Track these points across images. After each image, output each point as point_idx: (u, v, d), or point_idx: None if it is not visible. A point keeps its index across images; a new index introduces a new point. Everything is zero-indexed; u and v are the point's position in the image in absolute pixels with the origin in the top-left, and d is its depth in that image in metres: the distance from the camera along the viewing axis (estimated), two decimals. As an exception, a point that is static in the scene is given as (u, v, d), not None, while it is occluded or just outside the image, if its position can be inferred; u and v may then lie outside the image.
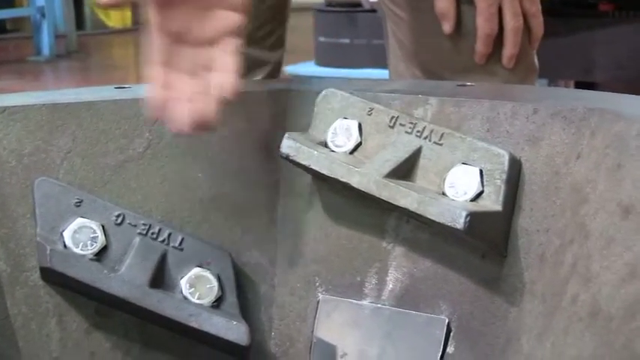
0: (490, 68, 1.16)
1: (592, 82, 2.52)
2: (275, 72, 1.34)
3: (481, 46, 1.15)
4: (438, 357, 0.88)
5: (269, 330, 0.95)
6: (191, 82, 0.84)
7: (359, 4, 3.64)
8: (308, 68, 3.92)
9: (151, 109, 0.84)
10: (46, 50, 5.76)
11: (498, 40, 1.16)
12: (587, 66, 2.35)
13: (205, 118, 0.83)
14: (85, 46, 6.41)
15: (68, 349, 0.90)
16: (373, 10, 3.36)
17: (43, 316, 0.90)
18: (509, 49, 1.15)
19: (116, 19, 7.34)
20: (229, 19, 0.86)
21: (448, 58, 1.18)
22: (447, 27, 1.15)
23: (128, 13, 7.32)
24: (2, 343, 0.88)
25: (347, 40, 3.62)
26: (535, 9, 1.17)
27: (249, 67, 1.27)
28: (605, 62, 2.34)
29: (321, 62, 3.80)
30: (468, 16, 1.15)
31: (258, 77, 1.30)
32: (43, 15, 5.76)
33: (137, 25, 6.37)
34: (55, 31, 5.87)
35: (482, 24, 1.13)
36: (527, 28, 1.17)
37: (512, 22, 1.14)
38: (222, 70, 0.85)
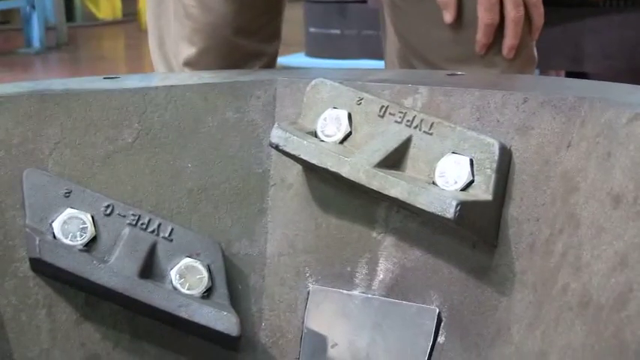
0: (490, 59, 1.15)
1: (582, 72, 2.52)
2: (271, 64, 1.33)
3: (481, 37, 1.14)
4: (429, 347, 0.88)
5: (259, 321, 0.95)
6: None
7: (351, -6, 3.63)
8: (298, 59, 3.90)
9: None
10: (36, 42, 5.74)
11: (499, 30, 1.14)
12: (577, 56, 2.35)
13: None
14: (75, 38, 6.38)
15: (58, 340, 0.90)
16: (364, 1, 3.34)
17: (32, 308, 0.89)
18: (509, 40, 1.14)
19: (106, 10, 7.30)
20: None
21: (448, 49, 1.17)
22: (448, 17, 1.14)
23: (118, 5, 7.30)
24: (-8, 335, 0.88)
25: (337, 31, 3.61)
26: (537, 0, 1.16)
27: (244, 58, 1.26)
28: (595, 52, 2.33)
29: (311, 53, 3.79)
30: (469, 5, 1.14)
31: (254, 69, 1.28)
32: (33, 7, 5.73)
33: (127, 17, 6.36)
34: (45, 23, 5.84)
35: (483, 14, 1.12)
36: (527, 18, 1.16)
37: (513, 12, 1.13)
38: None
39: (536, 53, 1.22)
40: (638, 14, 2.34)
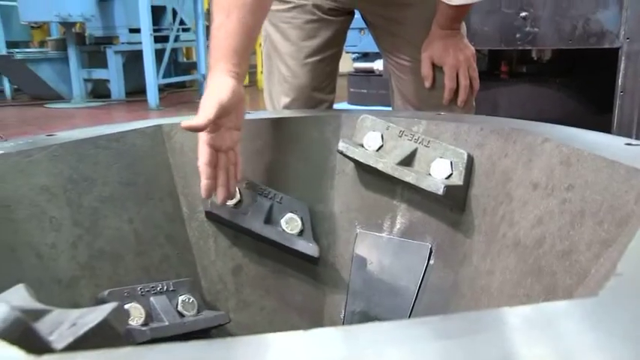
0: (450, 107, 1.12)
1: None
2: (330, 106, 1.30)
3: (447, 95, 1.11)
4: (424, 266, 0.83)
5: (329, 249, 0.91)
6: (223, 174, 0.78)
7: (372, 72, 3.61)
8: (344, 105, 3.88)
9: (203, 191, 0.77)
10: (205, 96, 5.78)
11: (455, 91, 1.11)
12: (495, 107, 2.28)
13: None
14: (225, 94, 6.41)
15: (220, 255, 0.87)
16: (380, 75, 3.36)
17: (206, 238, 0.87)
18: (461, 96, 1.11)
19: (241, 80, 7.31)
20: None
21: (428, 101, 1.14)
22: (427, 84, 1.11)
23: (246, 75, 7.30)
24: (185, 252, 0.85)
25: (365, 90, 3.58)
26: (476, 74, 1.13)
27: (316, 104, 1.23)
28: (505, 105, 2.26)
29: (351, 102, 3.77)
30: (439, 77, 1.11)
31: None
32: (204, 77, 5.77)
33: (251, 83, 6.35)
34: (209, 86, 5.88)
35: (448, 82, 1.10)
36: (471, 85, 1.12)
37: (464, 82, 1.10)
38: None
39: (474, 104, 1.17)
40: (530, 83, 2.27)
